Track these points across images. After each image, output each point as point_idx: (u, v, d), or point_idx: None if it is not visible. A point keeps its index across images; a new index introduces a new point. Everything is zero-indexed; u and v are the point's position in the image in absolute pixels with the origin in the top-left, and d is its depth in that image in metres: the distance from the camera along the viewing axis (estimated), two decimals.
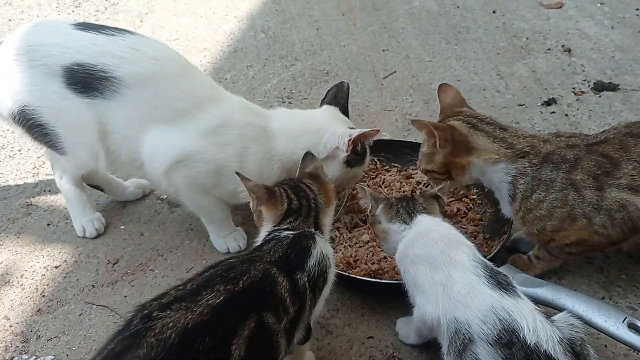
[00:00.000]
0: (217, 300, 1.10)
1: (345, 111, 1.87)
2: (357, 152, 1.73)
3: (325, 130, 1.72)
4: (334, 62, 2.87)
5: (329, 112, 1.84)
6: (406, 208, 1.48)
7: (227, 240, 1.82)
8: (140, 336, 1.02)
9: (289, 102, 2.58)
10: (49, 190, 2.10)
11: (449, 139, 1.59)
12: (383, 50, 2.95)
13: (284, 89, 2.67)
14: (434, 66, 2.79)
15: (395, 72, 2.77)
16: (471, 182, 1.70)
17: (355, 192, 1.95)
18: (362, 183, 1.97)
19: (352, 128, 1.76)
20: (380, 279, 1.66)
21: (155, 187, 1.74)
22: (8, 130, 2.38)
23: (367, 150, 1.80)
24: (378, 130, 1.70)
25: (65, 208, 1.97)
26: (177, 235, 1.90)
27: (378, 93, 2.63)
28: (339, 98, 1.88)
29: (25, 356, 1.52)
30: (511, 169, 1.56)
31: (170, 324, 1.04)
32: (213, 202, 1.75)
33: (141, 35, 1.72)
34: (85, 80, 1.60)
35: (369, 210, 1.58)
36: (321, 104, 1.91)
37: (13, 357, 1.52)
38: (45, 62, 1.61)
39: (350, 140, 1.67)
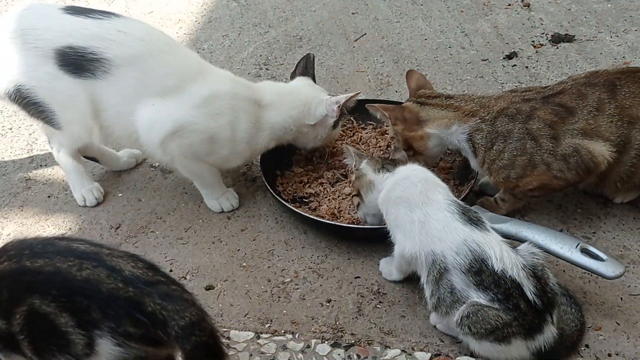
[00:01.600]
0: None
1: (314, 80, 2.06)
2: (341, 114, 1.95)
3: (312, 101, 1.92)
4: (306, 28, 2.98)
5: (308, 83, 2.02)
6: (389, 162, 1.66)
7: (220, 201, 1.97)
8: None
9: (266, 69, 2.69)
10: (45, 165, 2.21)
11: (399, 117, 1.79)
12: (352, 14, 3.07)
13: (260, 56, 2.78)
14: (402, 26, 2.93)
15: (365, 34, 2.90)
16: (437, 152, 1.86)
17: (335, 149, 2.11)
18: (341, 141, 2.13)
19: (328, 94, 1.97)
20: (363, 226, 1.83)
21: (150, 157, 1.87)
22: None
23: (345, 111, 2.01)
24: (359, 93, 1.95)
25: (64, 180, 2.08)
26: (172, 199, 2.04)
27: (350, 55, 2.76)
28: (308, 69, 2.06)
29: None
30: (465, 128, 1.74)
31: None
32: (206, 168, 1.89)
33: (127, 17, 1.85)
34: (77, 62, 1.72)
35: (353, 166, 1.74)
36: (292, 76, 2.09)
37: None
38: (38, 45, 1.72)
39: (338, 106, 1.90)
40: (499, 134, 1.71)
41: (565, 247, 1.55)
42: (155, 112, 1.75)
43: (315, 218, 1.81)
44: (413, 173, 1.58)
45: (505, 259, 1.39)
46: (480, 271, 1.39)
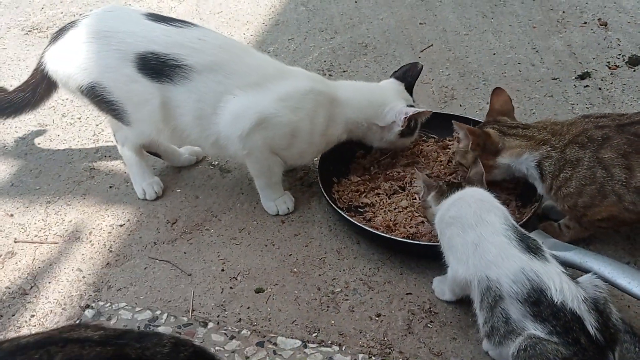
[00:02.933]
0: None
1: (410, 88, 2.08)
2: (410, 126, 1.96)
3: (388, 104, 1.96)
4: (372, 35, 2.96)
5: (394, 87, 2.06)
6: (454, 189, 1.59)
7: (277, 203, 1.97)
8: None
9: (330, 75, 2.69)
10: (109, 156, 2.27)
11: (480, 144, 1.74)
12: (420, 24, 3.02)
13: (324, 61, 2.78)
14: (470, 39, 2.86)
15: (432, 45, 2.85)
16: (500, 178, 1.82)
17: (394, 161, 2.08)
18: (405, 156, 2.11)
19: (410, 105, 1.99)
20: (418, 241, 1.79)
21: (227, 153, 1.91)
22: (68, 99, 2.55)
23: (418, 125, 2.02)
24: (431, 112, 1.97)
25: (125, 172, 2.14)
26: (229, 199, 2.06)
27: None
28: (407, 76, 2.09)
29: (101, 303, 1.70)
30: (535, 155, 1.69)
31: None
32: (278, 162, 1.91)
33: (205, 27, 1.92)
34: (157, 67, 1.77)
35: (420, 195, 1.70)
36: (392, 76, 2.13)
37: (88, 304, 1.71)
38: (121, 48, 1.78)
39: (406, 117, 1.92)
40: (567, 161, 1.65)
41: (634, 282, 1.47)
42: (241, 105, 1.79)
43: (369, 229, 1.78)
44: (469, 192, 1.53)
45: (565, 290, 1.33)
46: (538, 302, 1.33)
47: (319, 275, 1.77)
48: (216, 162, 2.22)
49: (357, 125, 1.97)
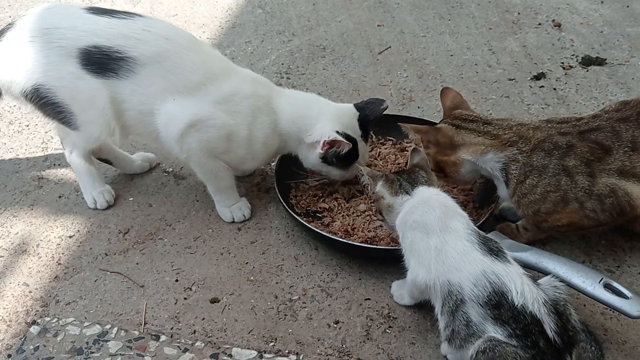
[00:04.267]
0: None
1: (364, 122, 1.91)
2: (331, 155, 1.83)
3: (320, 122, 1.84)
4: (330, 38, 2.94)
5: (342, 110, 1.91)
6: (408, 180, 1.57)
7: (232, 210, 1.92)
8: None
9: (287, 78, 2.65)
10: (59, 164, 2.19)
11: (432, 140, 1.71)
12: (378, 26, 3.02)
13: (282, 64, 2.75)
14: (428, 41, 2.87)
15: (390, 47, 2.85)
16: (470, 177, 1.77)
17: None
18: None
19: (347, 135, 1.83)
20: (377, 245, 1.77)
21: (169, 154, 1.85)
22: (15, 106, 2.45)
23: (355, 161, 1.88)
24: (349, 144, 1.80)
25: (76, 181, 2.06)
26: (183, 206, 2.00)
27: (373, 68, 2.71)
28: (367, 108, 1.94)
29: (47, 318, 1.63)
30: (500, 157, 1.66)
31: None
32: (222, 167, 1.85)
33: (150, 17, 1.84)
34: (101, 61, 1.70)
35: (368, 188, 1.67)
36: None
37: (35, 320, 1.63)
38: (62, 44, 1.70)
39: (325, 141, 1.80)
40: (534, 167, 1.63)
41: (587, 282, 1.47)
42: (176, 106, 1.74)
43: (327, 235, 1.75)
44: (432, 197, 1.50)
45: (526, 293, 1.32)
46: (499, 304, 1.32)
47: (276, 283, 1.73)
48: (170, 169, 2.16)
49: (290, 137, 1.87)
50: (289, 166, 2.00)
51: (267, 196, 2.03)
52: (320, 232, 1.75)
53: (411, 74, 2.64)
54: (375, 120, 1.96)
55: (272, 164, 2.03)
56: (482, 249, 1.39)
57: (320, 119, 1.85)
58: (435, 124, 1.95)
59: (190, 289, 1.71)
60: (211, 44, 2.92)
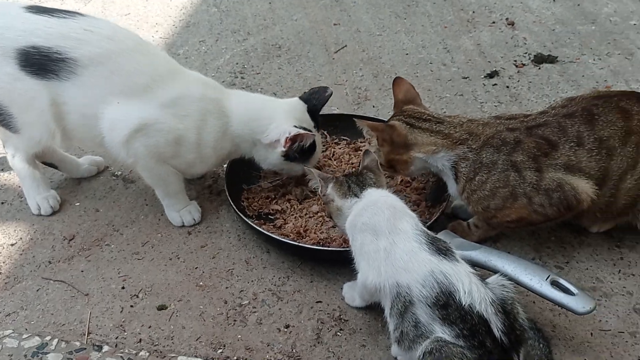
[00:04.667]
0: None
1: (314, 112, 1.91)
2: (294, 150, 1.80)
3: (275, 121, 1.81)
4: (286, 37, 2.90)
5: (292, 106, 1.90)
6: (356, 182, 1.55)
7: (181, 214, 1.88)
8: None
9: (242, 77, 2.61)
10: (1, 169, 2.11)
11: (387, 139, 1.70)
12: (334, 24, 3.00)
13: (237, 64, 2.70)
14: (384, 40, 2.86)
15: (346, 46, 2.83)
16: (418, 173, 1.78)
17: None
18: None
19: (304, 128, 1.82)
20: (329, 246, 1.75)
21: (115, 159, 1.80)
22: None
23: (315, 152, 1.88)
24: (313, 135, 1.80)
25: (19, 186, 1.98)
26: (132, 211, 1.95)
27: (329, 67, 2.68)
28: (313, 98, 1.93)
29: None
30: (451, 155, 1.66)
31: None
32: (170, 172, 1.80)
33: (93, 16, 1.77)
34: (41, 62, 1.63)
35: (319, 191, 1.65)
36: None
37: None
38: None
39: (288, 138, 1.77)
40: (483, 164, 1.64)
41: (535, 279, 1.48)
42: (121, 110, 1.68)
43: (277, 237, 1.72)
44: (381, 199, 1.49)
45: (473, 293, 1.31)
46: (446, 305, 1.31)
47: (226, 288, 1.69)
48: (119, 172, 2.10)
49: (243, 140, 1.83)
50: (241, 168, 1.97)
51: (219, 199, 1.99)
52: (270, 234, 1.72)
53: (367, 73, 2.63)
54: (322, 108, 1.94)
55: (225, 165, 1.99)
56: (430, 249, 1.38)
57: (274, 117, 1.82)
58: (384, 120, 1.96)
59: (137, 296, 1.66)
60: (164, 43, 2.86)
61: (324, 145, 2.15)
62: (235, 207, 1.80)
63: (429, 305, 1.32)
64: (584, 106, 1.66)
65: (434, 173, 1.78)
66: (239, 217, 1.81)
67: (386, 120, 1.99)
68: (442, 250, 1.38)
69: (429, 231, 1.45)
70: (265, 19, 3.06)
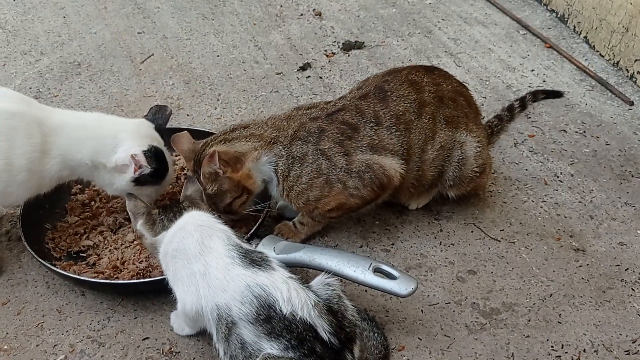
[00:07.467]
0: None
1: (159, 131, 1.74)
2: (151, 172, 1.63)
3: (123, 141, 1.62)
4: (85, 52, 2.67)
5: (141, 126, 1.71)
6: (170, 218, 1.43)
7: None
8: None
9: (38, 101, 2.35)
10: None
11: (222, 162, 1.56)
12: (139, 33, 2.82)
13: (30, 88, 2.43)
14: (193, 44, 2.74)
15: (153, 54, 2.67)
16: (263, 184, 1.67)
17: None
18: None
19: (155, 147, 1.65)
20: (150, 275, 1.61)
21: None
22: None
23: (167, 172, 1.72)
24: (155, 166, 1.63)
25: None
26: None
27: (137, 79, 2.51)
28: (157, 117, 1.77)
29: None
30: (271, 157, 1.62)
31: None
32: None
33: None
34: None
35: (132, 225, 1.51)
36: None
37: None
38: None
39: (135, 157, 1.59)
40: (295, 158, 1.61)
41: (358, 270, 1.47)
42: None
43: (87, 279, 1.55)
44: (188, 221, 1.39)
45: (293, 299, 1.26)
46: (269, 318, 1.25)
47: (37, 345, 1.49)
48: None
49: (79, 162, 1.62)
50: (41, 205, 1.75)
51: (20, 245, 1.75)
52: (78, 277, 1.55)
53: (177, 81, 2.50)
54: (165, 126, 1.78)
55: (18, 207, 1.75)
56: (244, 262, 1.31)
57: (120, 138, 1.62)
58: (207, 132, 1.87)
59: None
60: None
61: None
62: (32, 252, 1.58)
63: (251, 323, 1.25)
64: (376, 84, 1.70)
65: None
66: (41, 263, 1.60)
67: (202, 130, 1.92)
68: (257, 262, 1.32)
69: (243, 243, 1.38)
70: (60, 35, 2.79)
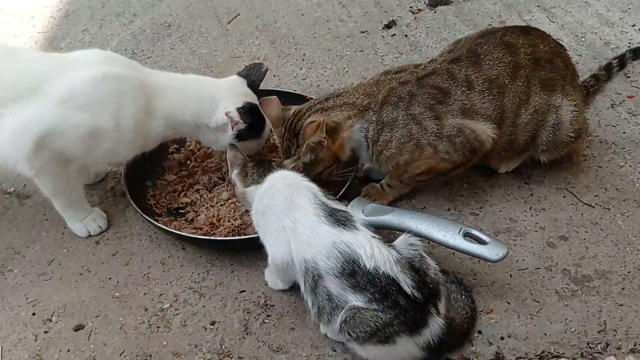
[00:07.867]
0: None
1: (253, 87, 1.80)
2: (250, 128, 1.69)
3: (220, 102, 1.69)
4: (175, 13, 2.75)
5: (233, 84, 1.78)
6: (261, 174, 1.50)
7: (86, 223, 1.77)
8: None
9: None
10: None
11: (326, 132, 1.58)
12: None
13: (125, 50, 2.54)
14: (277, 2, 2.76)
15: (239, 14, 2.71)
16: (351, 152, 1.69)
17: (210, 150, 1.95)
18: None
19: (250, 103, 1.71)
20: (245, 233, 1.70)
21: (10, 175, 1.62)
22: None
23: (265, 127, 1.77)
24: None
25: None
26: (32, 229, 1.82)
27: (224, 39, 2.57)
28: (251, 74, 1.82)
29: None
30: (363, 123, 1.63)
31: None
32: (74, 177, 1.68)
33: None
34: None
35: (228, 174, 1.59)
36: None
37: None
38: None
39: (235, 123, 1.66)
40: (385, 123, 1.62)
41: (448, 234, 1.48)
42: (17, 121, 1.52)
43: (187, 234, 1.65)
44: (277, 180, 1.45)
45: (376, 256, 1.30)
46: (353, 273, 1.30)
47: (145, 294, 1.62)
48: (12, 189, 1.95)
49: (183, 123, 1.69)
50: (142, 164, 1.86)
51: (124, 201, 1.89)
52: (179, 232, 1.65)
53: (263, 41, 2.54)
54: (260, 83, 1.83)
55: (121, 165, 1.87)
56: (330, 221, 1.35)
57: (218, 99, 1.70)
58: (295, 93, 1.90)
59: (50, 320, 1.57)
60: (44, 38, 2.65)
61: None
62: (138, 209, 1.69)
63: (336, 276, 1.31)
64: (469, 47, 1.66)
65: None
66: (146, 219, 1.72)
67: (288, 91, 1.94)
68: (341, 221, 1.36)
69: (329, 201, 1.42)
70: None
